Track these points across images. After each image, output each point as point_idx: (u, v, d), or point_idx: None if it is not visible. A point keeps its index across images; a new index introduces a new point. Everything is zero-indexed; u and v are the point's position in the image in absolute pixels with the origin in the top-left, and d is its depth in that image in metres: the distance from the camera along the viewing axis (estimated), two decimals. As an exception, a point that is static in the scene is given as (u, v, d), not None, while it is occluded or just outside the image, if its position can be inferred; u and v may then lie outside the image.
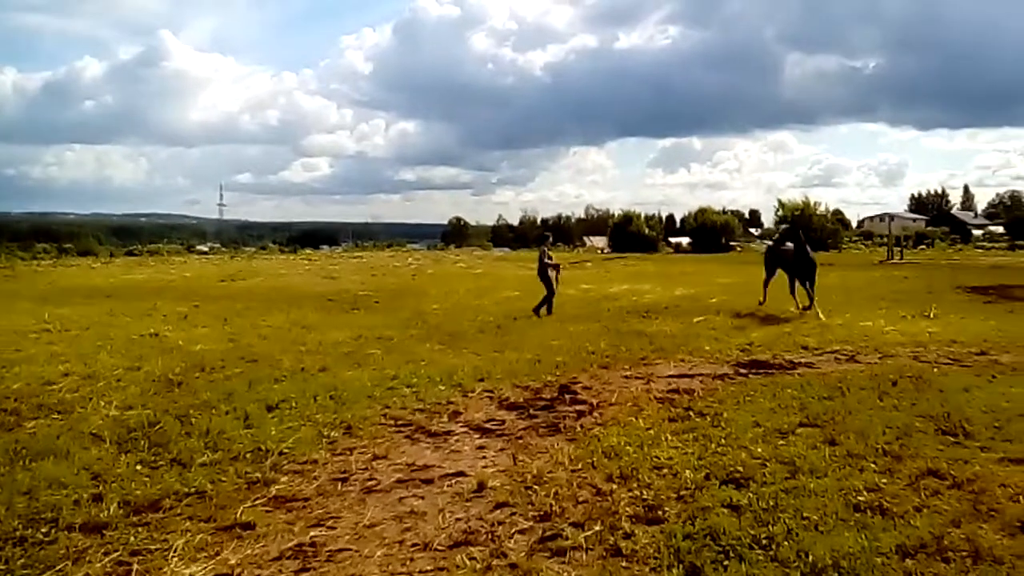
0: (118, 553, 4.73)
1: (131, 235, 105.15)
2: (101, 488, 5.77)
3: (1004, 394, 8.42)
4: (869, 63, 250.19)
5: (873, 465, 6.11)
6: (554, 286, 17.14)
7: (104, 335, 13.84)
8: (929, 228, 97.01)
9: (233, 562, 4.64)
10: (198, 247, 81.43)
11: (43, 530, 5.03)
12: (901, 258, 47.12)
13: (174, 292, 24.00)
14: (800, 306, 16.87)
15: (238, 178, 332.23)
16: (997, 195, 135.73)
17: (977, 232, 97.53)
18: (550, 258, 17.48)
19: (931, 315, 16.03)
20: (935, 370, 10.02)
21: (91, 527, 5.10)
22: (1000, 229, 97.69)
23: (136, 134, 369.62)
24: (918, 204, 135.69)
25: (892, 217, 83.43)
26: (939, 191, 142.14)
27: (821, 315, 15.75)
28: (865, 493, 5.47)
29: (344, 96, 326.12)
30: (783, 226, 23.30)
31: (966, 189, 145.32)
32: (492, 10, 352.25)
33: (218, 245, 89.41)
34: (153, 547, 4.82)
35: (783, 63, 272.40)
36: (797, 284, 17.40)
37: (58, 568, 4.53)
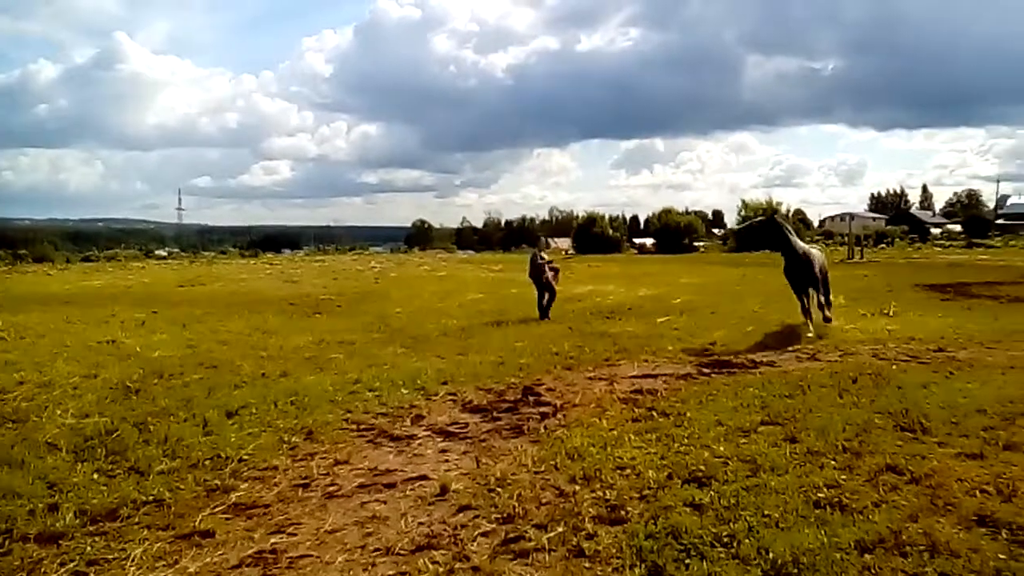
0: (75, 563, 4.70)
1: (88, 240, 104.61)
2: (57, 497, 5.74)
3: (961, 390, 8.61)
4: (828, 65, 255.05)
5: (833, 462, 6.22)
6: (554, 287, 17.22)
7: (60, 342, 13.76)
8: (889, 227, 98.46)
9: (192, 570, 4.63)
10: (157, 252, 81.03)
11: None
12: (861, 257, 47.92)
13: (132, 298, 23.94)
14: (811, 330, 13.08)
15: (197, 182, 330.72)
16: (955, 194, 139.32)
17: (935, 231, 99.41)
18: (543, 259, 17.38)
19: (890, 313, 16.37)
20: (894, 367, 10.21)
21: (47, 537, 5.06)
22: (958, 228, 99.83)
23: (92, 138, 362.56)
24: (878, 204, 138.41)
25: (852, 217, 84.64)
26: (898, 191, 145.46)
27: (831, 318, 13.67)
28: (825, 490, 5.57)
29: (305, 98, 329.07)
30: (757, 218, 20.52)
31: (924, 188, 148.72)
32: (453, 12, 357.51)
33: (177, 250, 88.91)
34: (111, 556, 4.79)
35: (743, 65, 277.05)
36: (812, 296, 13.77)
37: None
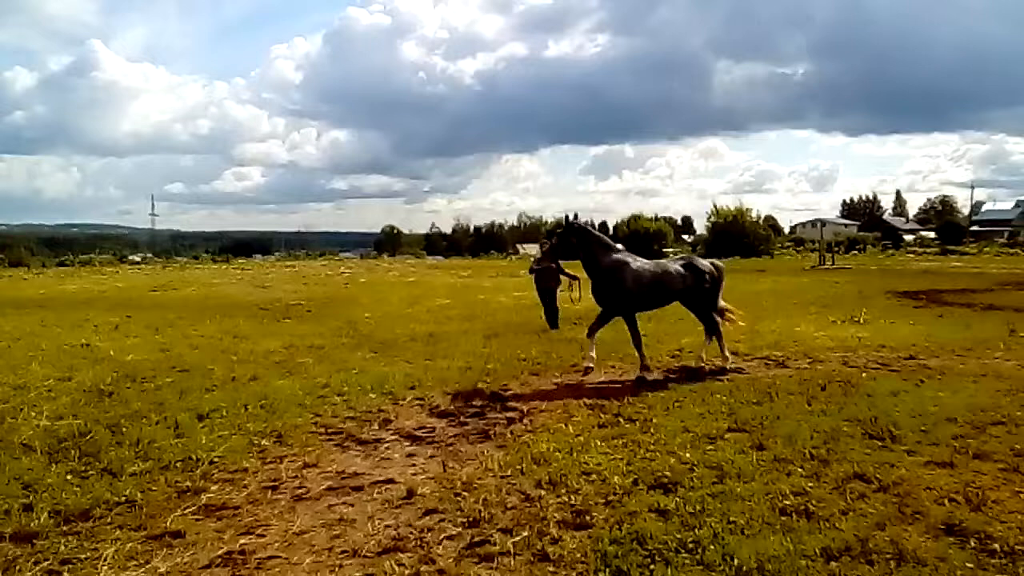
0: (48, 562, 4.87)
1: (63, 246, 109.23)
2: (32, 498, 5.92)
3: (932, 398, 8.77)
4: (798, 70, 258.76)
5: (800, 469, 6.32)
6: (574, 295, 15.43)
7: (35, 345, 14.26)
8: (861, 233, 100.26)
9: (163, 570, 4.78)
10: (130, 257, 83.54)
11: None
12: (832, 263, 48.60)
13: (106, 302, 24.79)
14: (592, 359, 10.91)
15: (170, 188, 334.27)
16: (928, 200, 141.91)
17: (909, 237, 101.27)
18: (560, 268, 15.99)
19: (861, 320, 16.67)
20: (864, 375, 10.39)
21: (21, 536, 5.24)
22: (932, 234, 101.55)
23: (67, 144, 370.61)
24: (850, 210, 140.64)
25: (824, 223, 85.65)
26: (870, 197, 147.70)
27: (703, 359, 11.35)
28: (791, 497, 5.66)
29: (276, 105, 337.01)
30: (557, 231, 13.22)
31: (898, 194, 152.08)
32: (423, 19, 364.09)
33: (150, 255, 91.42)
34: (83, 556, 4.95)
35: (712, 70, 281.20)
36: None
37: None
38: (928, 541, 4.91)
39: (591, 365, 10.80)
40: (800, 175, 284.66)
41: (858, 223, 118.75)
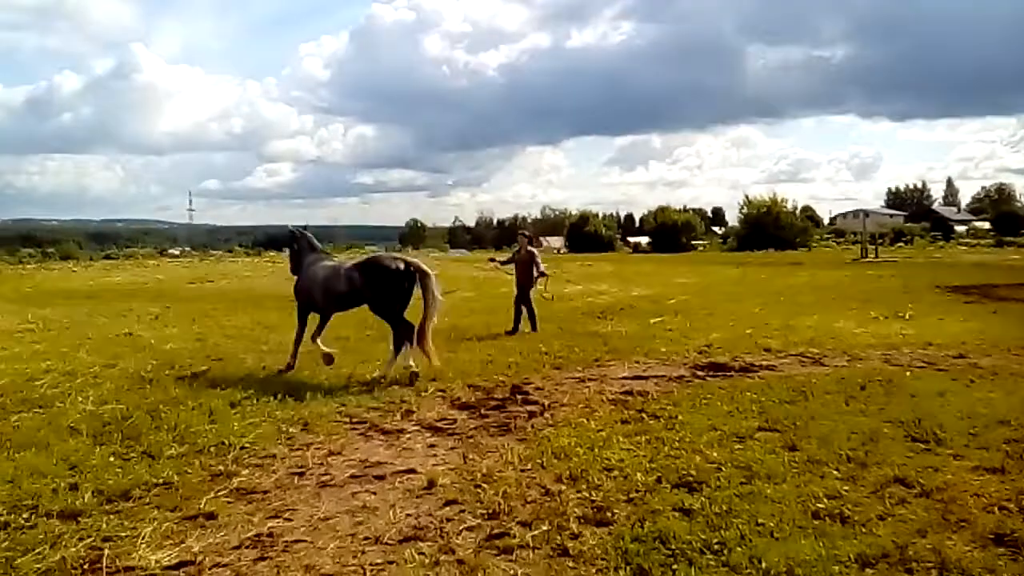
0: (91, 539, 5.29)
1: (108, 240, 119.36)
2: (77, 478, 6.45)
3: (982, 400, 8.67)
4: (836, 52, 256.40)
5: (835, 472, 6.28)
6: (546, 294, 15.89)
7: (83, 334, 15.46)
8: (908, 224, 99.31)
9: (196, 550, 5.13)
10: (170, 251, 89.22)
11: (24, 516, 5.67)
12: (876, 256, 48.28)
13: (148, 294, 27.06)
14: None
15: (206, 184, 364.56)
16: (982, 188, 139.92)
17: (960, 228, 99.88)
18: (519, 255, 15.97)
19: (906, 316, 16.53)
20: (908, 374, 10.30)
21: (67, 514, 5.70)
22: (986, 225, 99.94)
23: (112, 144, 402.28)
24: (896, 199, 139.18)
25: (867, 213, 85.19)
26: (918, 185, 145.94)
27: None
28: (825, 500, 5.62)
29: (304, 102, 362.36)
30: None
31: (949, 182, 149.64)
32: (446, 13, 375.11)
33: (188, 249, 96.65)
34: (123, 534, 5.38)
35: (744, 55, 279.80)
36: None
37: (37, 552, 5.08)
38: (974, 550, 4.84)
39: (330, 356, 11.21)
40: (840, 163, 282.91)
41: (904, 213, 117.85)
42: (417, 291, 10.72)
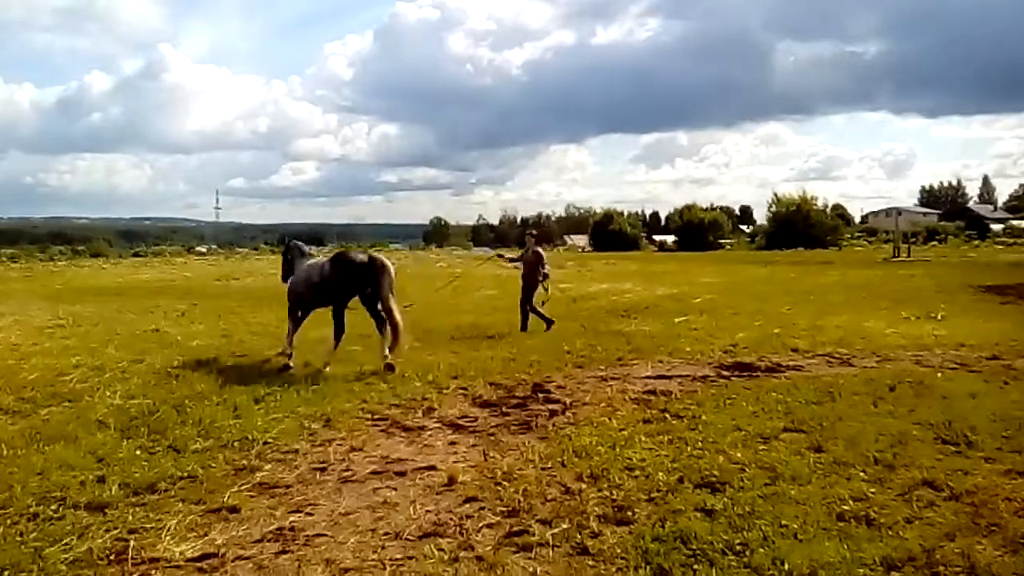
0: (118, 531, 5.46)
1: (137, 237, 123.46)
2: (105, 471, 6.65)
3: (1016, 402, 8.57)
4: (868, 47, 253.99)
5: (862, 474, 6.24)
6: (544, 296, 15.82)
7: (112, 330, 15.92)
8: (942, 223, 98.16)
9: (219, 542, 5.28)
10: (197, 248, 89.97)
11: (52, 507, 5.86)
12: (908, 255, 47.82)
13: (175, 291, 27.63)
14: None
15: (232, 183, 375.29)
16: (1020, 186, 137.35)
17: (997, 227, 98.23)
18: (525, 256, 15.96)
19: (938, 316, 16.35)
20: (939, 375, 10.19)
21: (95, 506, 5.89)
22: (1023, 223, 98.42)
23: (140, 143, 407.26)
24: (929, 197, 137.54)
25: (899, 211, 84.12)
26: (953, 183, 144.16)
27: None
28: (851, 502, 5.60)
29: (329, 101, 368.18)
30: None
31: (985, 180, 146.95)
32: (470, 11, 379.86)
33: (215, 246, 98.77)
34: (149, 526, 5.54)
35: (773, 51, 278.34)
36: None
37: (64, 542, 5.23)
38: (1005, 556, 4.80)
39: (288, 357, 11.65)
40: (872, 161, 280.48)
41: (939, 212, 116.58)
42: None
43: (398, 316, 11.40)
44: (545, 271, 15.51)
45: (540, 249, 16.04)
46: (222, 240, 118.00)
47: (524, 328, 15.17)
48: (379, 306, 11.63)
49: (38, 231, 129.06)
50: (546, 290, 15.65)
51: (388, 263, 11.73)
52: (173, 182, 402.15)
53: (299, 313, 12.41)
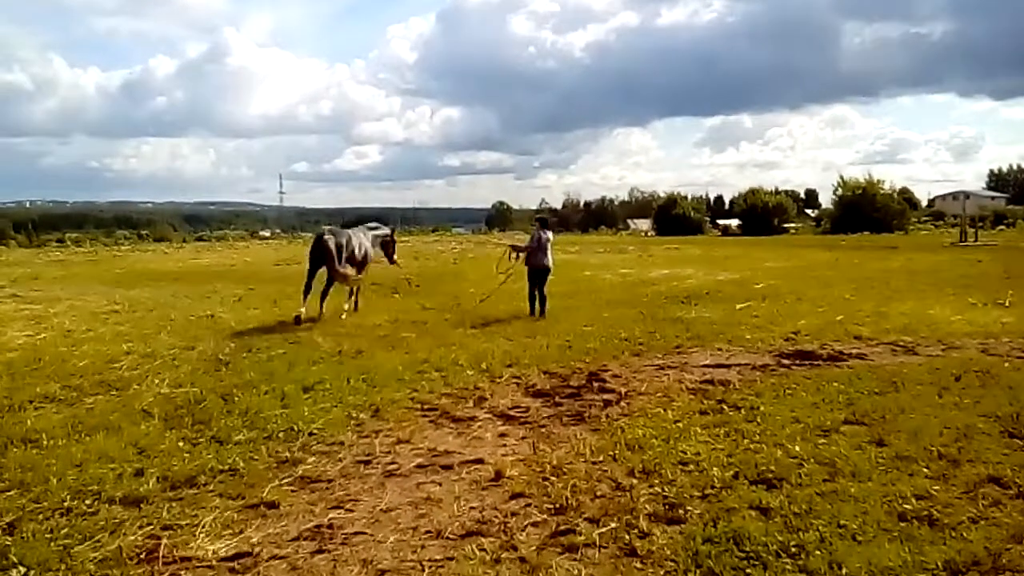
0: (151, 527, 5.31)
1: (201, 222, 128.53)
2: (144, 463, 6.51)
3: (1088, 394, 8.18)
4: (936, 28, 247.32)
5: (925, 470, 6.02)
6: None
7: (166, 316, 15.81)
8: (1010, 207, 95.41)
9: (254, 540, 5.13)
10: (260, 233, 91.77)
11: (87, 502, 5.70)
12: (975, 240, 46.44)
13: (234, 275, 27.31)
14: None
15: (295, 167, 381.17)
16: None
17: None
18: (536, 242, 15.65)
19: (1006, 303, 15.82)
20: (1006, 364, 9.86)
21: (130, 500, 5.75)
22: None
23: (204, 127, 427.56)
24: (998, 181, 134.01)
25: (967, 195, 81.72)
26: (1022, 166, 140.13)
27: None
28: (913, 501, 5.39)
29: (392, 85, 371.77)
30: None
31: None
32: None
33: (278, 231, 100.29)
34: (184, 522, 5.39)
35: (840, 33, 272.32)
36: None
37: (96, 539, 5.09)
38: (1075, 559, 4.55)
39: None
40: (939, 143, 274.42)
41: (1007, 195, 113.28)
42: None
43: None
44: (528, 247, 15.40)
45: (546, 233, 15.65)
46: (285, 224, 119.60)
47: (542, 313, 14.87)
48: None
49: (104, 215, 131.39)
50: (511, 261, 15.75)
51: (331, 244, 14.59)
52: (237, 166, 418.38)
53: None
